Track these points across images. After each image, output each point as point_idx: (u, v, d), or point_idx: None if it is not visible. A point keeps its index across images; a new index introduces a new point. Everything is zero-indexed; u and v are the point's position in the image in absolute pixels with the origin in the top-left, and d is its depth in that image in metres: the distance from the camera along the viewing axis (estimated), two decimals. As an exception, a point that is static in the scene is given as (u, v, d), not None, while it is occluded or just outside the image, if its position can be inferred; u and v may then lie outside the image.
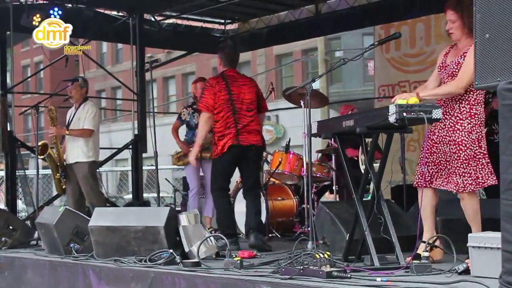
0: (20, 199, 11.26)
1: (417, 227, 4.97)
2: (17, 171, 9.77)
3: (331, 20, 10.89)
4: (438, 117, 4.77)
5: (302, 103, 7.63)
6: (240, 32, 12.09)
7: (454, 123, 5.06)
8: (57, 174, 8.31)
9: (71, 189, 8.31)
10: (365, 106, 13.64)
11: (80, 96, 8.39)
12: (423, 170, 5.17)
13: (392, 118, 4.65)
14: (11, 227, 7.61)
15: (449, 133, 5.08)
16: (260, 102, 7.06)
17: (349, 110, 8.64)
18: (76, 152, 8.20)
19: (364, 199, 5.44)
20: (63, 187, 8.35)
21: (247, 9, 11.31)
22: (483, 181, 5.03)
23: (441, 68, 5.26)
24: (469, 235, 4.59)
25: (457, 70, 5.10)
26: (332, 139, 7.27)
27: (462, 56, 5.09)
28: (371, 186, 5.43)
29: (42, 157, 8.31)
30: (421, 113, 4.69)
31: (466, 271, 4.47)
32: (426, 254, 4.78)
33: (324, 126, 5.43)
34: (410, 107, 4.69)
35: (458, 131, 5.04)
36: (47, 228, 6.79)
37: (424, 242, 5.11)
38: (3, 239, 7.46)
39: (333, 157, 8.58)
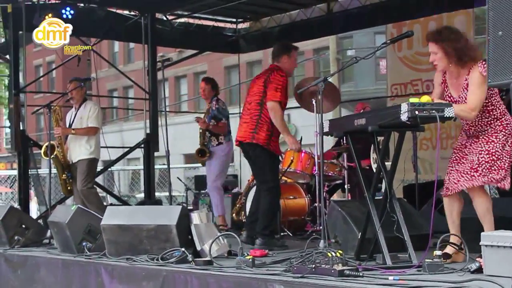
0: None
1: (430, 226, 4.96)
2: (29, 170, 9.80)
3: (343, 19, 10.87)
4: (450, 116, 4.75)
5: (313, 102, 7.61)
6: (252, 31, 12.09)
7: (489, 136, 5.06)
8: (63, 175, 8.34)
9: (77, 190, 8.32)
10: (377, 105, 13.60)
11: (81, 97, 8.47)
12: (447, 178, 5.19)
13: (404, 117, 4.64)
14: (23, 226, 7.63)
15: (482, 144, 5.08)
16: (267, 91, 6.80)
17: (362, 108, 8.63)
18: (78, 151, 8.30)
19: (376, 197, 5.42)
20: (69, 188, 8.38)
21: (259, 8, 11.31)
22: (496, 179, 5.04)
23: (451, 102, 5.16)
24: (482, 233, 4.57)
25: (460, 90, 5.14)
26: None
27: (467, 90, 5.08)
28: (383, 184, 5.42)
29: (51, 156, 8.37)
30: (433, 111, 4.67)
31: (479, 270, 4.46)
32: (439, 252, 4.77)
33: (336, 125, 5.42)
34: (422, 105, 4.67)
35: (493, 143, 5.05)
36: (59, 226, 6.82)
37: (456, 245, 5.14)
38: (16, 237, 7.48)
39: (344, 155, 8.57)
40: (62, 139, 8.37)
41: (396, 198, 5.19)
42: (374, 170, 6.39)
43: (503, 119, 5.11)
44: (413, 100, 4.76)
